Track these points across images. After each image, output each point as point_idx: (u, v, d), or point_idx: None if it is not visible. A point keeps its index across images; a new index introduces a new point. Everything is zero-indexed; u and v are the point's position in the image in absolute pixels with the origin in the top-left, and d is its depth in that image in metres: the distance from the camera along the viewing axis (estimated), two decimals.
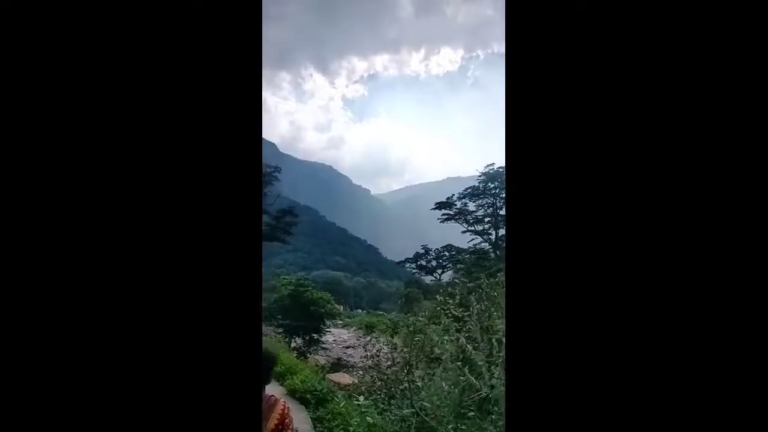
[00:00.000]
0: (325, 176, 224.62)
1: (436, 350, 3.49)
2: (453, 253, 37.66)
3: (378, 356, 6.20)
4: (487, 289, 4.12)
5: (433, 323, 6.43)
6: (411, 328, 5.58)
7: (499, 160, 27.63)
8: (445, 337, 3.49)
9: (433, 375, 3.41)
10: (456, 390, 3.07)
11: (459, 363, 3.15)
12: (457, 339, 3.35)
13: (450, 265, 37.18)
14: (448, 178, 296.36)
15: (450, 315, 3.90)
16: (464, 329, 3.70)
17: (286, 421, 1.72)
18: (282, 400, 1.78)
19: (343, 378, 9.02)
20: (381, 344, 7.82)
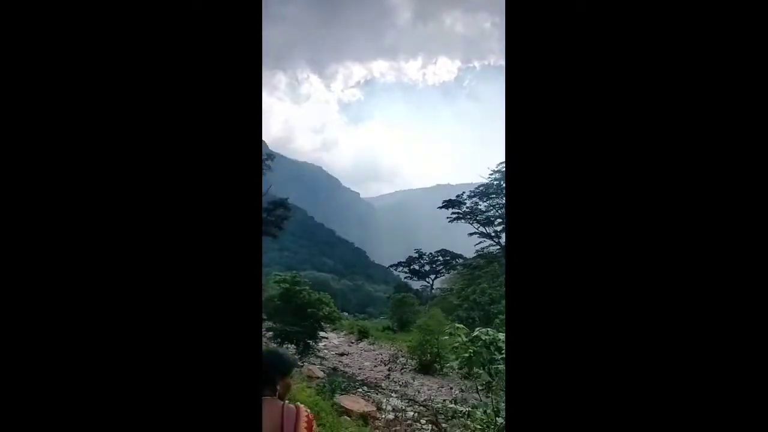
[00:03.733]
0: (315, 177, 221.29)
1: None
2: (447, 258, 35.89)
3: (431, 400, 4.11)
4: None
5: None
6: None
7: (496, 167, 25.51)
8: None
9: None
10: None
11: None
12: None
13: (443, 270, 35.39)
14: (437, 185, 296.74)
15: None
16: None
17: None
18: (301, 405, 1.41)
19: (356, 404, 6.93)
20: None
